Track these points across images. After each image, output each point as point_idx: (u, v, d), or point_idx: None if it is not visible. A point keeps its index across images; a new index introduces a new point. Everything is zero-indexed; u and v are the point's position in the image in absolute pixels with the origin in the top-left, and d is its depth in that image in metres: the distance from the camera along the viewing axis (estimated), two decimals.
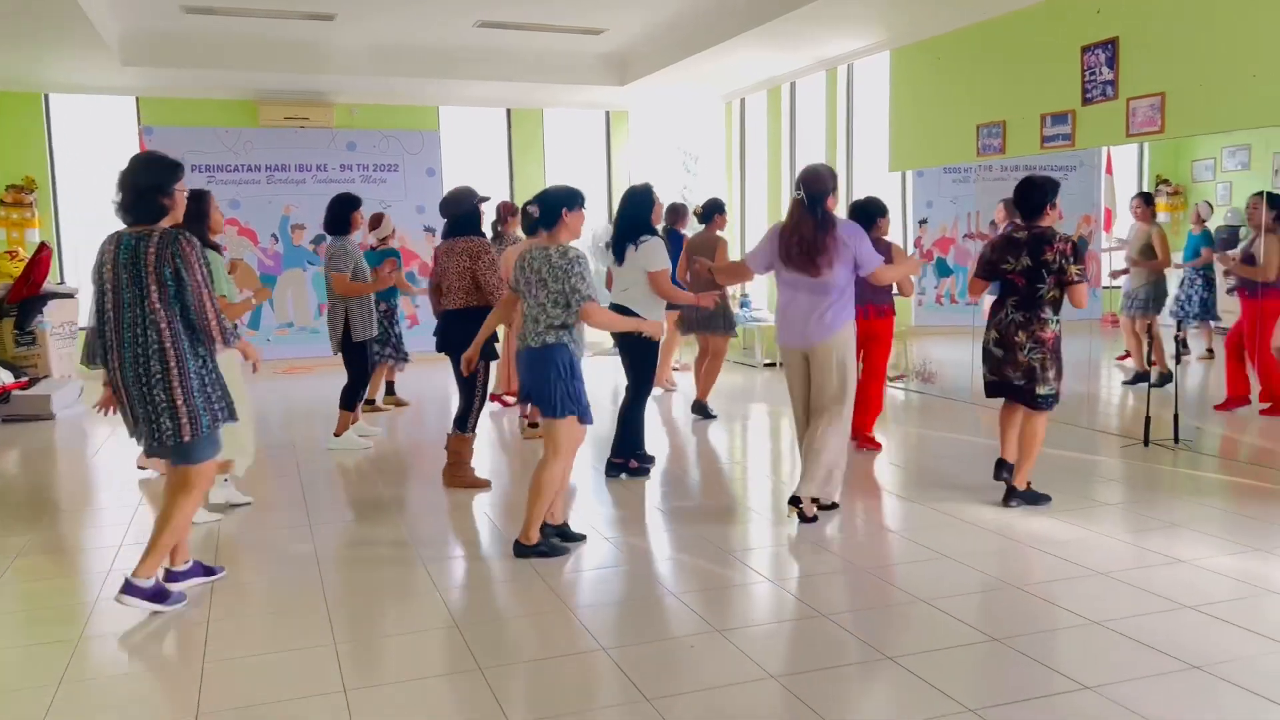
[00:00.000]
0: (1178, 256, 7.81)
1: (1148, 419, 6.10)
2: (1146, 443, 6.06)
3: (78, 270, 10.43)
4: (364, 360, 6.53)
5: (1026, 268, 4.69)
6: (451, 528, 4.91)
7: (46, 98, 10.44)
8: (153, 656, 3.44)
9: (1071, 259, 4.63)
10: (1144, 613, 3.54)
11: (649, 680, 3.08)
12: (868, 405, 6.12)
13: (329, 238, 6.51)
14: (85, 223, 10.45)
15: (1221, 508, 4.91)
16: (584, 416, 4.22)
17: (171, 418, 3.56)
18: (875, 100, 9.38)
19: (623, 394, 5.74)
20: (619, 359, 5.78)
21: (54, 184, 10.51)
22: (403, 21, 8.88)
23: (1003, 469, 4.92)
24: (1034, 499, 4.91)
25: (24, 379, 8.29)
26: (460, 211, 5.69)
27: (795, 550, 4.40)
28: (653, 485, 5.61)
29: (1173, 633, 3.35)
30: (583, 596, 3.91)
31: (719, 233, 7.61)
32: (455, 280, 5.50)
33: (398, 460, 6.40)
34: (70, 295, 9.37)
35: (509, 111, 12.07)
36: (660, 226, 7.45)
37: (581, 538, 4.48)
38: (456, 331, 5.35)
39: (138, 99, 10.68)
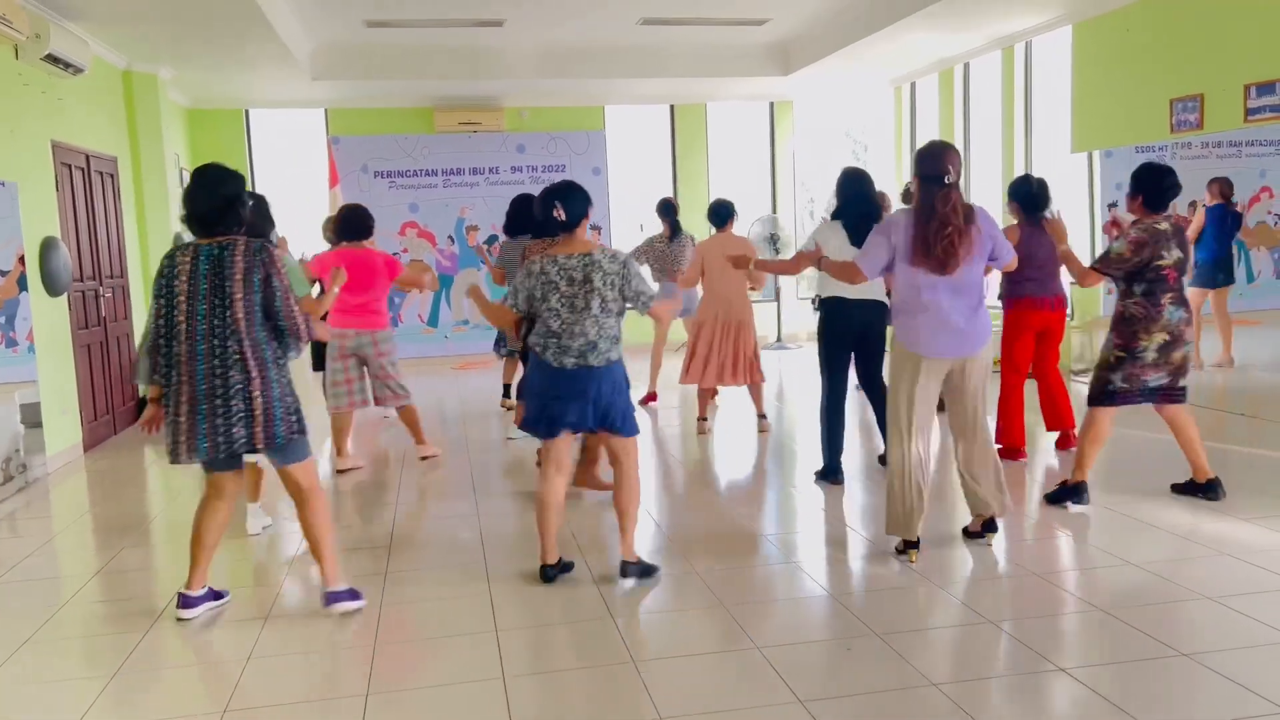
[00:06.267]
0: None
1: None
2: None
3: None
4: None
5: (1178, 260, 4.50)
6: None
7: (247, 113, 11.27)
8: (328, 638, 3.64)
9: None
10: None
11: (804, 681, 3.02)
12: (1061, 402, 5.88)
13: (503, 237, 6.75)
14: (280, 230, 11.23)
15: None
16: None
17: (246, 426, 3.52)
18: (1056, 78, 8.86)
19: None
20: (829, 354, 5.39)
21: None
22: (568, 23, 9.07)
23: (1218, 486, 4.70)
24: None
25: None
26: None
27: (964, 553, 4.21)
28: (822, 484, 5.51)
29: None
30: (740, 595, 3.88)
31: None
32: None
33: None
34: None
35: (672, 107, 12.13)
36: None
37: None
38: None
39: (326, 111, 11.37)
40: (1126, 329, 4.57)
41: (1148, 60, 7.57)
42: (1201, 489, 4.70)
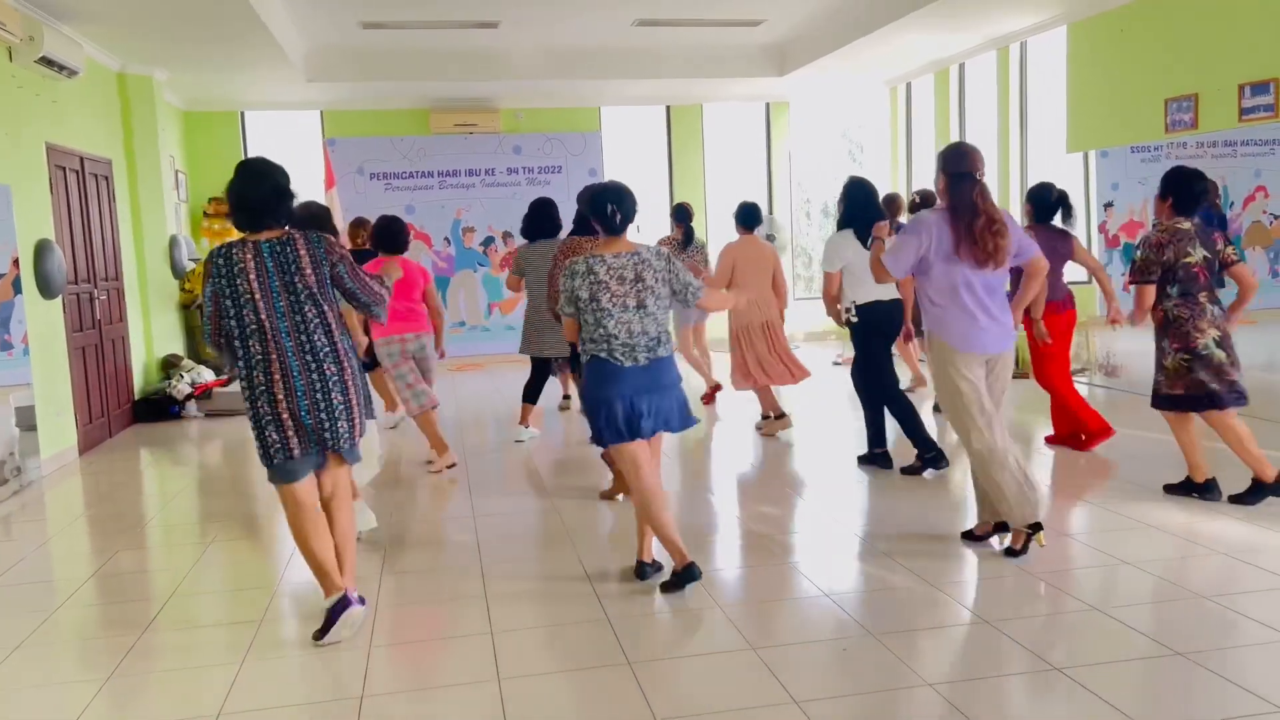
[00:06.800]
0: None
1: None
2: None
3: None
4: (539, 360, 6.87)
5: (1205, 258, 4.52)
6: (615, 525, 4.97)
7: (243, 115, 11.25)
8: (325, 640, 3.63)
9: (1230, 242, 4.62)
10: None
11: (798, 682, 3.02)
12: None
13: (524, 241, 6.71)
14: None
15: None
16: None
17: (348, 419, 3.51)
18: (1051, 79, 8.88)
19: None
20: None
21: None
22: (562, 25, 9.07)
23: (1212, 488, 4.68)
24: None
25: (223, 376, 8.96)
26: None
27: (962, 553, 4.21)
28: (820, 485, 5.50)
29: None
30: (736, 596, 3.88)
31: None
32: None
33: (566, 460, 6.55)
34: None
35: (668, 109, 12.13)
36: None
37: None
38: None
39: (322, 113, 11.36)
40: (1178, 330, 4.55)
41: (1143, 60, 7.58)
42: (1198, 488, 4.71)
